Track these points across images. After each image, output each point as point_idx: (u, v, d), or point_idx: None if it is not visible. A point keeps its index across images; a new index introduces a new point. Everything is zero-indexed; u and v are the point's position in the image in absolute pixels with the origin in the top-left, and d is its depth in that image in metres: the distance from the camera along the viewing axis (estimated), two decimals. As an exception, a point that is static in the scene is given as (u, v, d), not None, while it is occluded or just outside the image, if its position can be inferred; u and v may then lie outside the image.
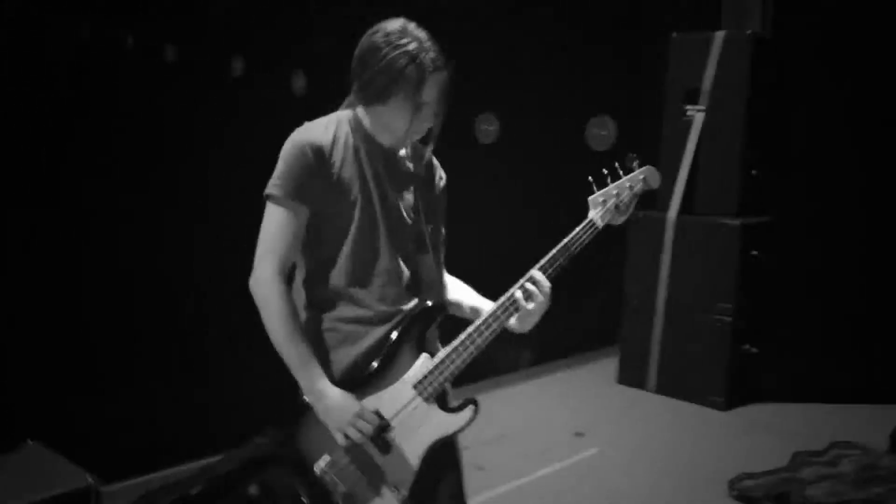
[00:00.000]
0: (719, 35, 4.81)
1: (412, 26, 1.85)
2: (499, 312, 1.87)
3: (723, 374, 4.77)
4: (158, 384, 3.73)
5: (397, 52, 1.79)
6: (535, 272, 1.86)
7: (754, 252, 4.76)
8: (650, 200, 4.75)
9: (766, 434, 4.39)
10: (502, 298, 1.87)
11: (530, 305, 1.85)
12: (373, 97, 1.83)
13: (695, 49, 4.87)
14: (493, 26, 4.74)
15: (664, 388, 5.01)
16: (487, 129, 5.04)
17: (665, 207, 4.97)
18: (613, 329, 5.46)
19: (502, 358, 5.15)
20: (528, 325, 1.90)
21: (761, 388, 4.90)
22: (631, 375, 5.18)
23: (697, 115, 4.88)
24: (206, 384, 3.77)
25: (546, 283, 1.86)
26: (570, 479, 3.71)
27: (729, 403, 4.76)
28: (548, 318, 1.93)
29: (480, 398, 1.92)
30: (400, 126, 1.84)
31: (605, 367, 5.46)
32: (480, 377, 1.88)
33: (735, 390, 4.80)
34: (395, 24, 1.84)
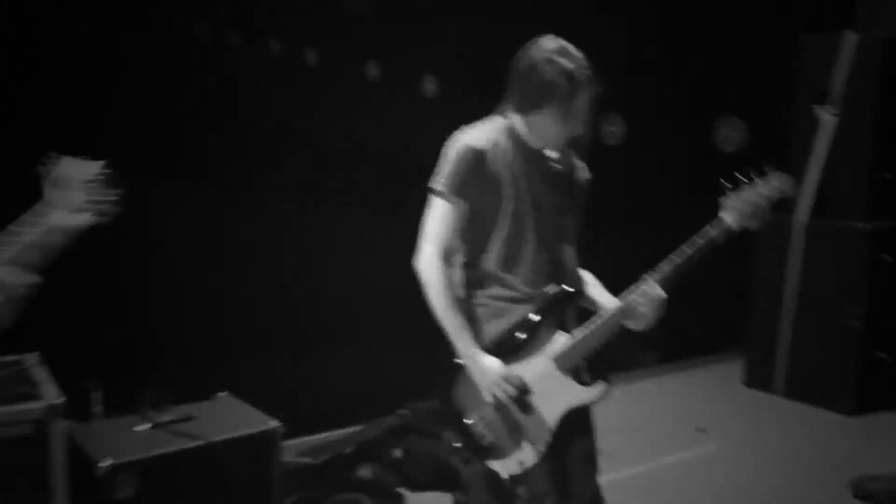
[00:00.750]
0: (850, 36, 4.78)
1: (569, 46, 2.13)
2: (617, 314, 2.11)
3: (852, 381, 4.74)
4: (322, 360, 4.20)
5: (555, 68, 2.07)
6: (649, 280, 2.09)
7: (885, 256, 4.71)
8: (780, 202, 4.78)
9: (894, 441, 4.35)
10: (624, 300, 2.12)
11: (646, 309, 2.09)
12: (529, 107, 2.13)
13: (824, 50, 4.85)
14: (616, 27, 4.88)
15: (791, 392, 5.02)
16: (612, 130, 5.17)
17: (794, 210, 4.99)
18: (738, 331, 5.50)
19: (629, 356, 5.30)
20: (643, 326, 2.13)
21: (892, 397, 4.82)
22: (757, 377, 5.21)
23: (827, 118, 4.87)
24: (356, 364, 4.19)
25: (658, 291, 2.08)
26: (688, 471, 3.86)
27: (857, 410, 4.72)
28: (674, 317, 2.13)
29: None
30: (552, 133, 2.14)
31: (730, 369, 5.51)
32: (608, 371, 2.07)
33: (864, 397, 4.74)
34: (552, 43, 2.12)
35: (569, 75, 2.06)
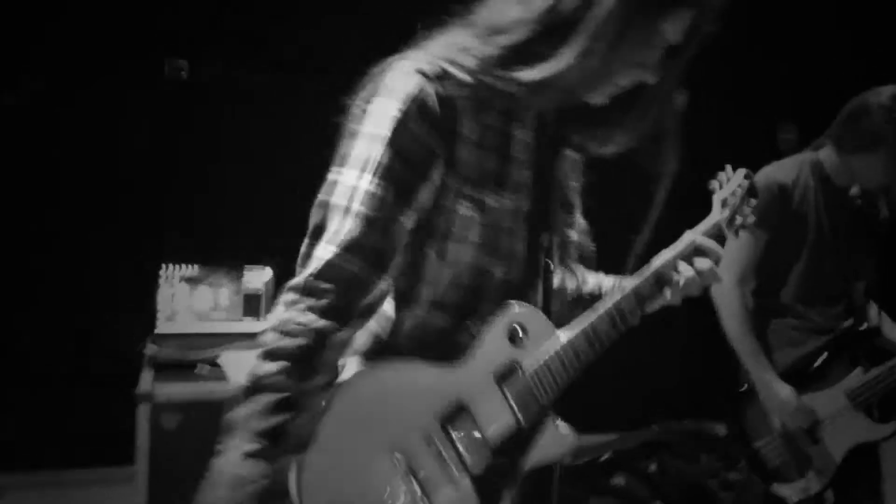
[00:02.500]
0: None
1: None
2: None
3: None
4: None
5: (889, 120, 2.12)
6: None
7: None
8: None
9: None
10: None
11: None
12: (853, 147, 2.19)
13: None
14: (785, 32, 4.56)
15: None
16: (787, 138, 4.83)
17: None
18: None
19: None
20: None
21: None
22: None
23: None
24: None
25: None
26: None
27: None
28: None
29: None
30: (870, 177, 2.20)
31: None
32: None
33: None
34: (891, 90, 2.15)
35: None
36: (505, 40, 1.09)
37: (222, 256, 2.59)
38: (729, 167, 1.84)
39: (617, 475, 3.63)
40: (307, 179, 1.19)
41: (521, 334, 1.16)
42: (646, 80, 1.13)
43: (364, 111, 1.10)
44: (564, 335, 1.18)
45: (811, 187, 2.26)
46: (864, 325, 2.25)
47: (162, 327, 2.50)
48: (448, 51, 1.11)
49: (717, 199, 1.69)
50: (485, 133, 1.12)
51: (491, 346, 1.15)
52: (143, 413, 2.10)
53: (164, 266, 2.52)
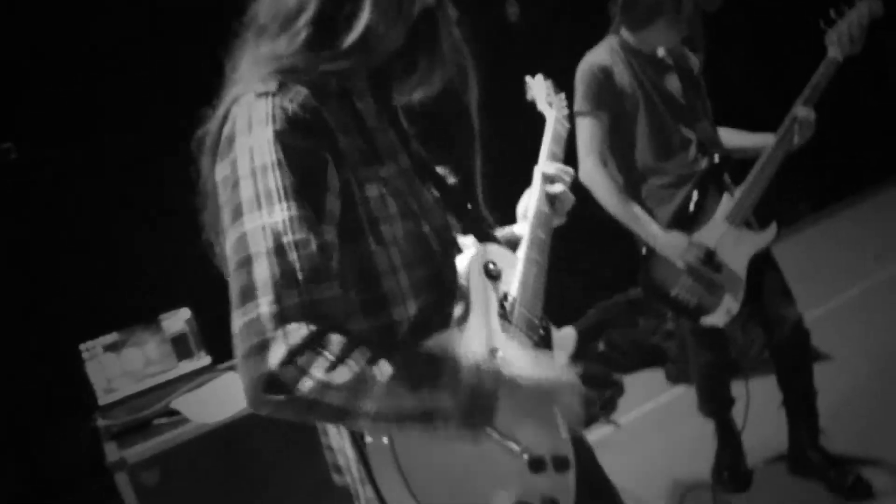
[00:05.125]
0: None
1: None
2: (778, 147, 2.36)
3: None
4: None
5: None
6: (796, 108, 2.32)
7: None
8: None
9: None
10: (781, 128, 2.36)
11: (800, 137, 2.33)
12: (638, 24, 2.41)
13: None
14: None
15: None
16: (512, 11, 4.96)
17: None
18: (887, 160, 5.44)
19: (788, 211, 5.36)
20: (808, 136, 2.36)
21: None
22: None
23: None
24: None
25: (808, 113, 2.31)
26: (878, 296, 4.01)
27: None
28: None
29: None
30: (664, 41, 2.45)
31: (890, 195, 5.51)
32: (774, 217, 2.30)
33: None
34: None
35: None
36: (303, 20, 1.09)
37: (131, 315, 2.60)
38: (527, 77, 2.01)
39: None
40: (174, 225, 1.18)
41: (493, 267, 1.25)
42: (428, 3, 1.18)
43: (232, 159, 1.04)
44: (520, 253, 1.33)
45: (626, 61, 2.46)
46: (716, 157, 2.46)
47: (104, 399, 2.52)
48: (264, 66, 1.09)
49: (542, 108, 1.87)
50: (341, 118, 1.11)
51: (481, 293, 1.21)
52: (122, 480, 2.11)
53: (82, 346, 2.52)
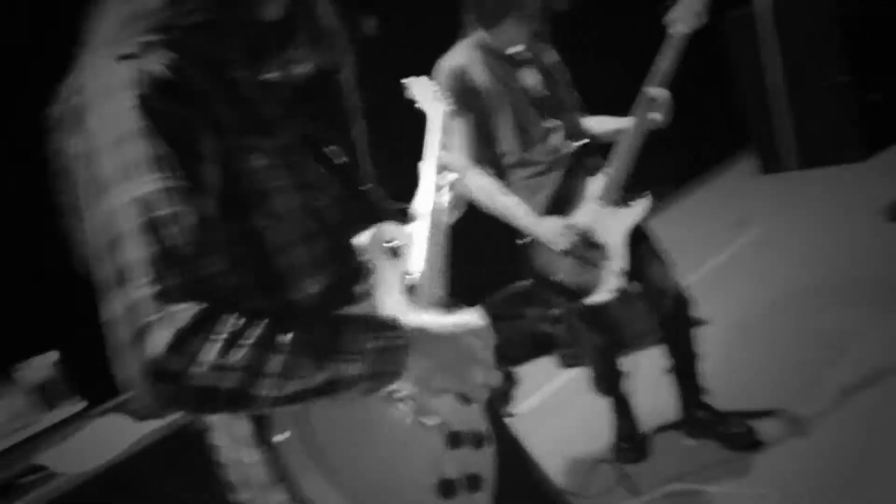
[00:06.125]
0: None
1: None
2: (637, 126, 2.43)
3: (856, 130, 5.07)
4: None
5: None
6: (649, 88, 2.40)
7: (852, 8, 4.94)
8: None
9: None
10: (637, 108, 2.43)
11: (658, 115, 2.40)
12: (490, 22, 2.45)
13: None
14: None
15: (804, 162, 5.37)
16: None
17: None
18: (738, 134, 5.80)
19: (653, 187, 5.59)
20: (662, 124, 2.44)
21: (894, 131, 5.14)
22: (770, 163, 5.56)
23: None
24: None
25: (662, 92, 2.39)
26: (745, 259, 4.24)
27: (867, 153, 5.06)
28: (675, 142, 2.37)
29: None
30: (517, 37, 2.48)
31: (744, 167, 5.87)
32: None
33: (870, 140, 5.08)
34: None
35: None
36: None
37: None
38: (406, 79, 2.00)
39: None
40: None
41: (395, 245, 1.21)
42: None
43: (85, 130, 0.93)
44: (420, 232, 1.31)
45: (483, 60, 2.49)
46: (581, 141, 2.53)
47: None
48: (128, 27, 0.98)
49: (424, 106, 1.85)
50: (215, 85, 1.00)
51: (386, 272, 1.17)
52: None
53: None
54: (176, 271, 0.86)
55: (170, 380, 0.84)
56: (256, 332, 0.89)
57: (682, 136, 3.97)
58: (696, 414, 2.68)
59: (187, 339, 0.84)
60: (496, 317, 3.79)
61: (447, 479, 1.12)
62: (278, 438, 1.00)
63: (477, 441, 1.20)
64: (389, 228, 1.24)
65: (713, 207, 5.46)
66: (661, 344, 2.67)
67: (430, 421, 1.13)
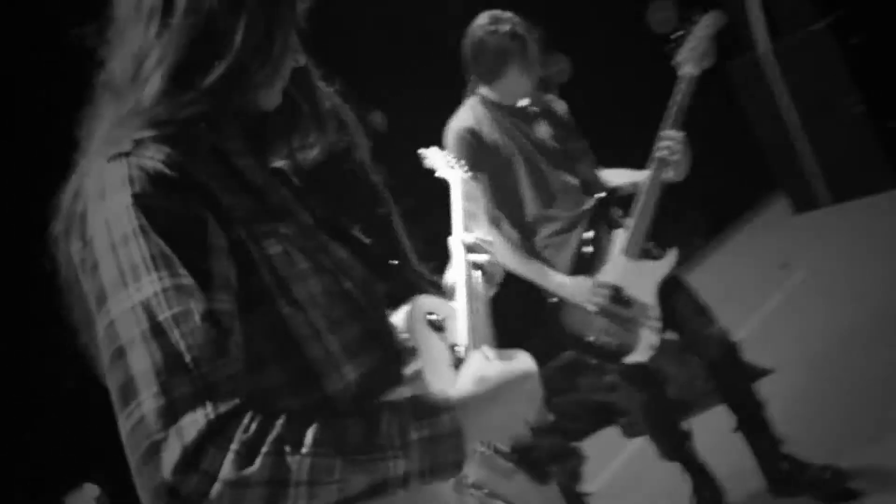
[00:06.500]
0: None
1: (496, 12, 2.43)
2: (655, 173, 2.35)
3: (880, 158, 4.95)
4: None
5: (498, 36, 2.37)
6: (664, 132, 2.33)
7: (854, 40, 4.93)
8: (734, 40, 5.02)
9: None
10: (652, 161, 2.36)
11: (675, 157, 2.32)
12: (491, 77, 2.42)
13: None
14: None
15: (838, 196, 5.24)
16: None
17: (754, 44, 5.22)
18: (764, 179, 5.71)
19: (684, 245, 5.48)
20: (683, 172, 2.37)
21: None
22: (803, 201, 5.42)
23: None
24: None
25: (677, 135, 2.32)
26: (794, 305, 4.07)
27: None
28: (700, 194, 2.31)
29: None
30: (521, 89, 2.45)
31: (777, 211, 5.75)
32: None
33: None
34: (484, 17, 2.44)
35: (512, 35, 2.37)
36: (153, 60, 0.94)
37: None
38: (422, 150, 1.97)
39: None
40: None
41: (436, 319, 1.13)
42: (298, 62, 1.08)
43: (86, 237, 0.88)
44: (459, 302, 1.23)
45: (491, 117, 2.46)
46: (601, 194, 2.46)
47: None
48: (124, 126, 0.94)
49: (443, 174, 1.81)
50: (219, 176, 0.95)
51: (432, 348, 1.09)
52: None
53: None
54: (184, 379, 0.79)
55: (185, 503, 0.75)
56: (273, 433, 0.79)
57: (705, 186, 3.91)
58: (778, 467, 2.46)
59: (198, 455, 0.75)
60: (549, 393, 3.65)
61: None
62: None
63: None
64: (428, 301, 1.17)
65: (751, 254, 5.31)
66: (721, 396, 2.50)
67: None
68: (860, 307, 3.60)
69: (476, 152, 2.37)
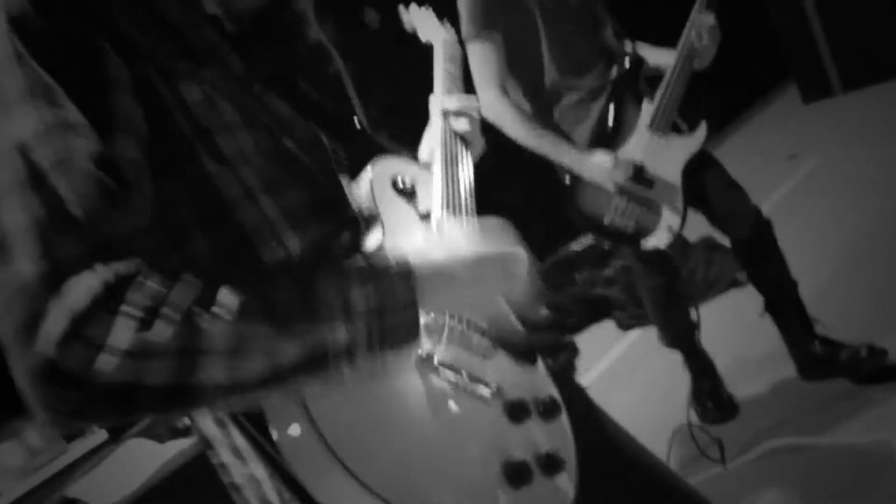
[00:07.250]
0: None
1: None
2: (684, 45, 2.12)
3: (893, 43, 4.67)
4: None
5: None
6: (695, 15, 2.09)
7: None
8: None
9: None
10: (680, 45, 2.12)
11: (705, 42, 2.09)
12: None
13: None
14: None
15: (848, 85, 4.99)
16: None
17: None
18: (775, 68, 5.44)
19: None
20: (710, 58, 2.15)
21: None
22: (814, 90, 5.17)
23: None
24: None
25: (709, 18, 2.08)
26: (805, 187, 3.87)
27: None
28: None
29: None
30: None
31: (787, 99, 5.48)
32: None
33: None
34: None
35: None
36: None
37: None
38: (401, 8, 1.73)
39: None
40: None
41: (404, 184, 0.99)
42: None
43: None
44: (435, 169, 1.07)
45: None
46: (627, 64, 2.22)
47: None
48: None
49: (425, 36, 1.60)
50: (123, 6, 0.77)
51: (397, 216, 0.94)
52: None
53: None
54: (70, 238, 0.63)
55: (70, 383, 0.60)
56: (189, 295, 0.64)
57: (719, 75, 3.66)
58: (810, 349, 2.29)
59: (88, 322, 0.60)
60: (545, 286, 3.53)
61: (515, 461, 0.84)
62: (276, 437, 0.73)
63: (546, 410, 0.93)
64: (394, 163, 1.00)
65: (764, 143, 5.09)
66: (749, 278, 2.34)
67: (482, 391, 0.87)
68: (878, 193, 3.40)
69: (492, 7, 2.11)
